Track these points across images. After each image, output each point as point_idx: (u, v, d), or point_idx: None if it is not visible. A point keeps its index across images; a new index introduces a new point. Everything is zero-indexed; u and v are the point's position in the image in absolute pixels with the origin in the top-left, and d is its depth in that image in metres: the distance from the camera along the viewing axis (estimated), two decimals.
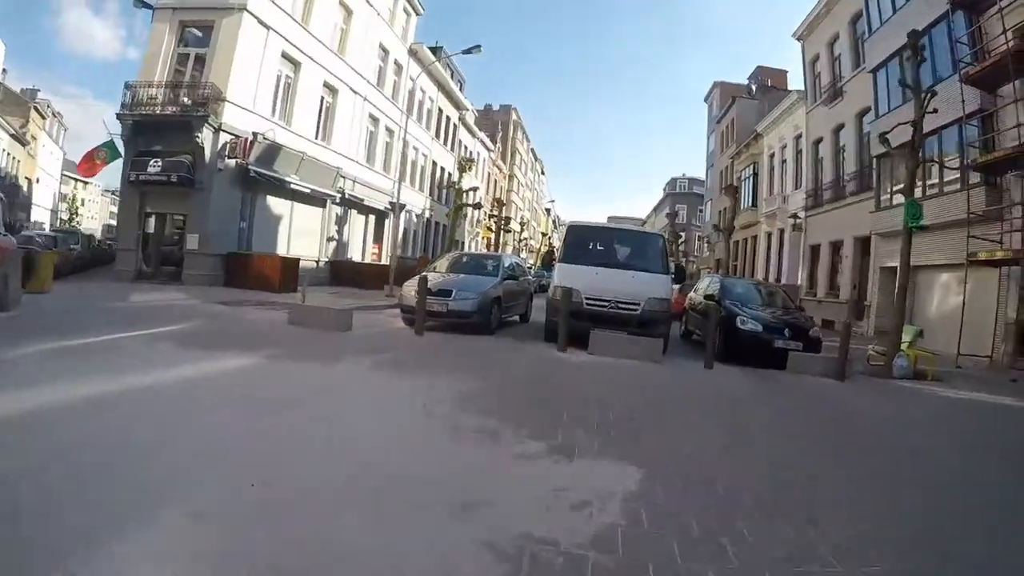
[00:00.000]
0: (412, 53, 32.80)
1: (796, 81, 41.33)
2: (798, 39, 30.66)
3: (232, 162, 18.96)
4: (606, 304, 10.97)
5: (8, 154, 44.98)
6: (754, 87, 46.92)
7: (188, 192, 18.32)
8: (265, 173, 19.94)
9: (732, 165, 42.08)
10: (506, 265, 14.14)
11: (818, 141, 27.98)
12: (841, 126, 25.71)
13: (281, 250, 21.76)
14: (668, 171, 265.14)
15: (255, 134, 19.54)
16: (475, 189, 35.93)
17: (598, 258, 11.86)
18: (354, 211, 27.63)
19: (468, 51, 24.08)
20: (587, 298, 10.91)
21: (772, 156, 34.65)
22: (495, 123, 66.30)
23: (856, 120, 24.24)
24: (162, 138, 18.34)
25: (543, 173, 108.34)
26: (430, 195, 38.63)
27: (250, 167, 19.24)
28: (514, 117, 73.35)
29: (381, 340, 10.30)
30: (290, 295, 17.02)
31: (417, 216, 36.75)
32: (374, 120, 29.18)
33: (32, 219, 47.29)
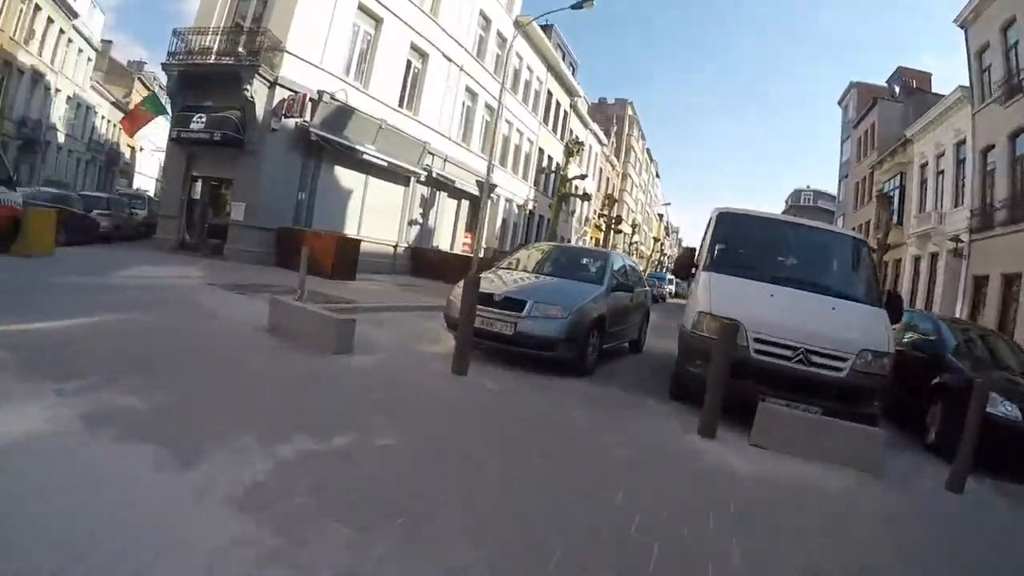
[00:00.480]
0: (518, 25, 29.27)
1: (943, 84, 34.83)
2: (960, 25, 24.59)
3: (291, 123, 15.98)
4: (790, 353, 6.06)
5: (109, 122, 45.78)
6: (897, 89, 40.25)
7: (236, 154, 15.56)
8: (332, 139, 16.87)
9: (872, 176, 35.62)
10: (616, 268, 9.40)
11: (988, 149, 22.03)
12: (1021, 130, 19.95)
13: (350, 229, 18.64)
14: (788, 183, 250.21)
15: (321, 93, 16.52)
16: (583, 177, 31.90)
17: (772, 269, 7.26)
18: (443, 193, 24.23)
19: (578, 6, 20.34)
20: (757, 339, 6.15)
21: (924, 166, 28.41)
22: (609, 118, 62.10)
23: None
24: (211, 92, 15.76)
25: (658, 176, 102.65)
26: (535, 185, 34.91)
27: (312, 129, 16.20)
28: (630, 112, 68.69)
29: (379, 386, 5.42)
30: (346, 283, 13.76)
31: (519, 207, 33.13)
32: (472, 94, 25.85)
33: (135, 186, 49.08)
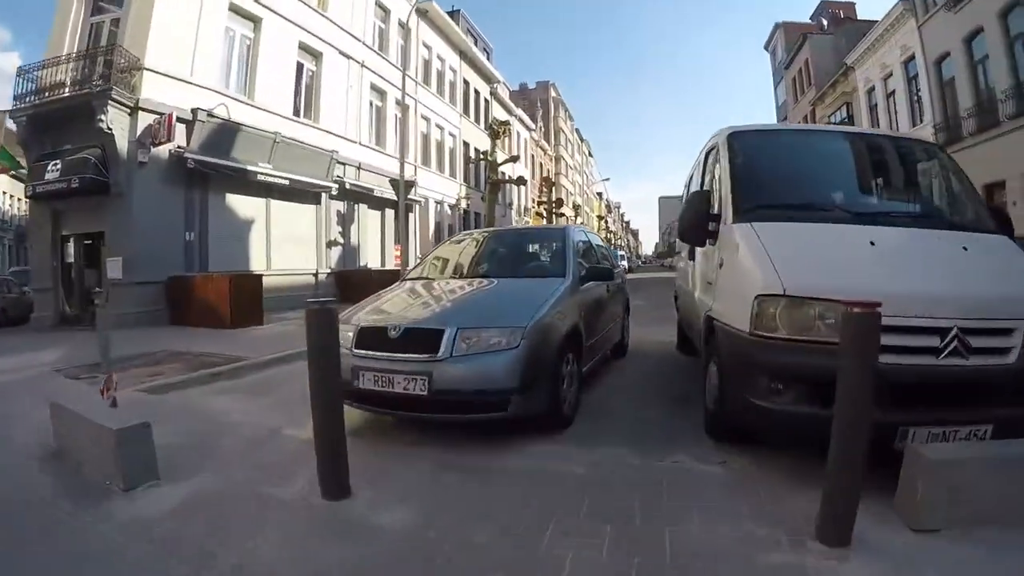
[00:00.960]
0: (421, 14, 27.07)
1: (867, 10, 34.35)
2: None
3: (163, 151, 13.56)
4: (938, 341, 3.34)
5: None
6: (825, 22, 39.95)
7: (103, 201, 13.06)
8: (216, 163, 14.51)
9: (814, 112, 34.92)
10: (580, 247, 6.63)
11: (941, 59, 21.40)
12: (976, 32, 19.20)
13: (256, 265, 16.28)
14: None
15: (196, 111, 14.15)
16: (514, 159, 29.82)
17: (845, 203, 4.68)
18: (363, 206, 21.86)
19: None
20: (883, 327, 2.95)
21: (871, 91, 27.74)
22: (533, 102, 60.45)
23: (999, 20, 18.07)
24: (69, 133, 13.39)
25: (591, 155, 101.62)
26: (465, 182, 32.89)
27: (189, 156, 13.80)
28: (553, 94, 67.17)
29: (174, 561, 2.83)
30: (250, 331, 11.51)
31: (451, 207, 31.03)
32: (379, 92, 23.61)
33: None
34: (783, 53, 42.85)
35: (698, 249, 5.73)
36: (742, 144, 5.11)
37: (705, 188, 5.71)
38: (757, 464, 3.94)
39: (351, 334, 4.73)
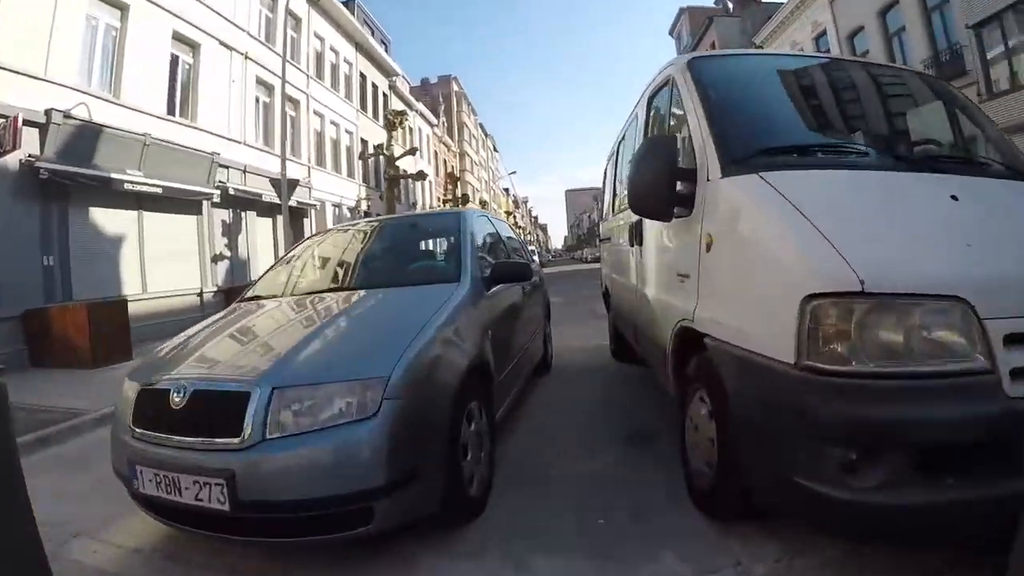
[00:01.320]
0: (313, 2, 25.52)
1: None
2: None
3: (10, 160, 11.73)
4: None
5: None
6: (730, 4, 41.09)
7: None
8: (76, 172, 12.76)
9: None
10: (482, 237, 5.21)
11: (855, 33, 22.48)
12: (891, 5, 20.28)
13: (130, 288, 14.61)
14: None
15: (50, 112, 12.40)
16: (413, 151, 28.59)
17: (880, 145, 3.33)
18: (251, 213, 20.28)
19: None
20: (1014, 336, 2.02)
21: None
22: (435, 97, 59.44)
23: None
24: None
25: (496, 150, 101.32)
26: (364, 182, 31.49)
27: (42, 165, 12.05)
28: (456, 88, 66.45)
29: None
30: (118, 367, 10.06)
31: (351, 209, 29.60)
32: (266, 87, 22.01)
33: None
34: (688, 38, 43.95)
35: (650, 227, 4.19)
36: (713, 74, 3.58)
37: None
38: (789, 563, 2.60)
39: (132, 398, 3.08)
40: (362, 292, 4.13)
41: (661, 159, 3.09)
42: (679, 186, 3.14)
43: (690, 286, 3.16)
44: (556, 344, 7.67)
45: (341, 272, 4.96)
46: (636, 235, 4.73)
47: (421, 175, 27.28)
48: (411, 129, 40.74)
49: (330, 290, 4.40)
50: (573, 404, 5.68)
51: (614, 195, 6.79)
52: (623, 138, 6.17)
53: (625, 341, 6.17)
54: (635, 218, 4.55)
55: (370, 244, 5.25)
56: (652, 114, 4.56)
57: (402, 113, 27.65)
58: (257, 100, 21.29)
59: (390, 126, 25.70)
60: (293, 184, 16.79)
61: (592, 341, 8.51)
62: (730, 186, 2.82)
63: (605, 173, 7.86)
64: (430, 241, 5.42)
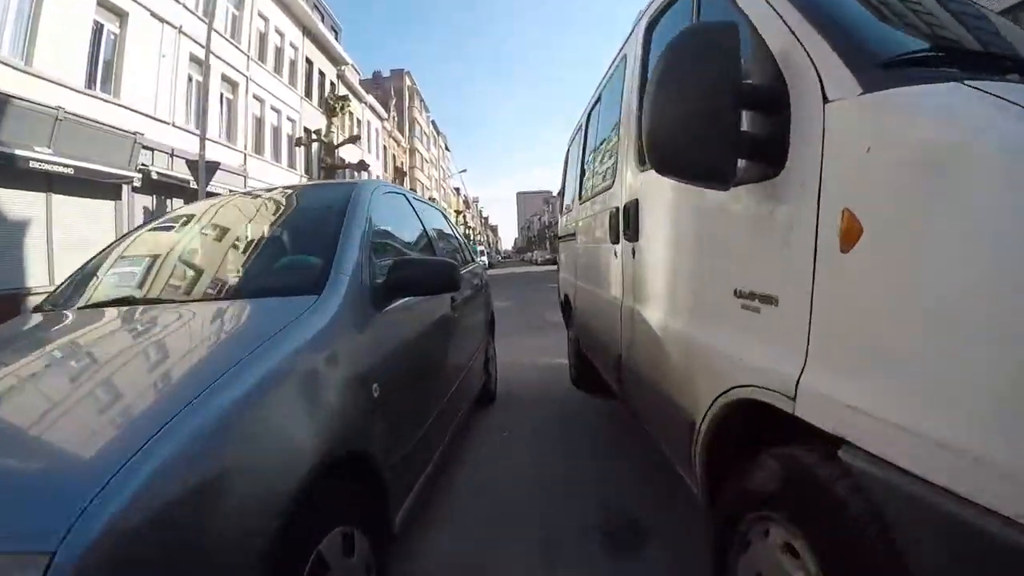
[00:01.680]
0: None
1: None
2: None
3: None
4: None
5: None
6: None
7: None
8: None
9: None
10: (370, 216, 2.95)
11: None
12: None
13: (34, 280, 13.15)
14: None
15: None
16: (354, 140, 27.22)
17: None
18: (179, 200, 18.70)
19: None
20: None
21: None
22: (387, 92, 57.99)
23: None
24: None
25: (448, 149, 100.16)
26: (307, 173, 30.05)
27: None
28: (408, 83, 65.00)
29: None
30: None
31: None
32: (200, 65, 20.49)
33: None
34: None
35: (662, 207, 2.55)
36: None
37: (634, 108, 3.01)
38: None
39: None
40: (146, 312, 2.38)
41: (713, 63, 1.52)
42: (747, 121, 1.62)
43: (777, 320, 1.55)
44: (501, 360, 6.27)
45: (145, 275, 3.10)
46: (627, 224, 3.05)
47: (362, 165, 25.94)
48: (359, 121, 39.36)
49: (115, 302, 2.66)
50: (524, 463, 4.08)
51: (581, 180, 5.05)
52: (597, 101, 4.58)
53: (594, 369, 4.60)
54: (623, 200, 3.13)
55: (204, 231, 3.41)
56: (648, 52, 2.98)
57: (344, 98, 26.09)
58: (190, 79, 19.77)
59: (330, 111, 24.23)
60: (213, 167, 15.36)
61: (545, 358, 7.38)
62: (895, 109, 1.23)
63: (567, 157, 6.41)
64: (291, 223, 3.30)
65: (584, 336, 4.91)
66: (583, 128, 5.22)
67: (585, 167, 4.88)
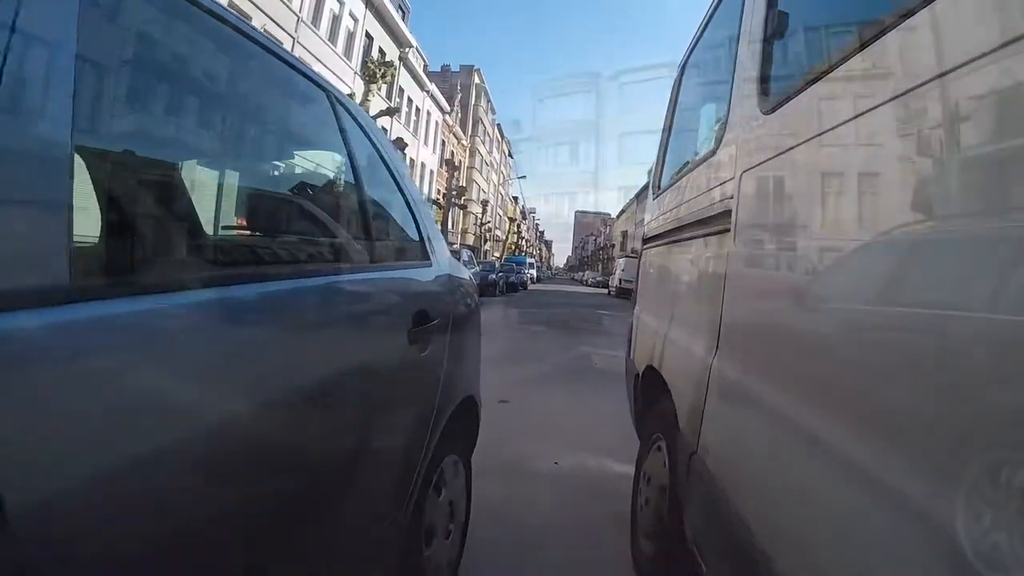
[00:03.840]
0: None
1: None
2: None
3: None
4: None
5: None
6: None
7: None
8: None
9: None
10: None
11: None
12: None
13: None
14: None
15: None
16: (392, 112, 25.15)
17: None
18: None
19: None
20: None
21: None
22: (453, 86, 56.70)
23: None
24: None
25: (511, 155, 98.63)
26: None
27: None
28: (477, 80, 63.56)
29: None
30: None
31: None
32: (243, 15, 18.95)
33: None
34: None
35: None
36: None
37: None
38: None
39: None
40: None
41: None
42: None
43: None
44: (501, 448, 3.65)
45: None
46: None
47: (400, 143, 23.84)
48: (418, 110, 37.87)
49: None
50: None
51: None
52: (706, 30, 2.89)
53: None
54: None
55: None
56: None
57: (388, 63, 23.87)
58: None
59: (370, 78, 22.14)
60: None
61: (585, 454, 4.09)
62: None
63: (672, 105, 3.73)
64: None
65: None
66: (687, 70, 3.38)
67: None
